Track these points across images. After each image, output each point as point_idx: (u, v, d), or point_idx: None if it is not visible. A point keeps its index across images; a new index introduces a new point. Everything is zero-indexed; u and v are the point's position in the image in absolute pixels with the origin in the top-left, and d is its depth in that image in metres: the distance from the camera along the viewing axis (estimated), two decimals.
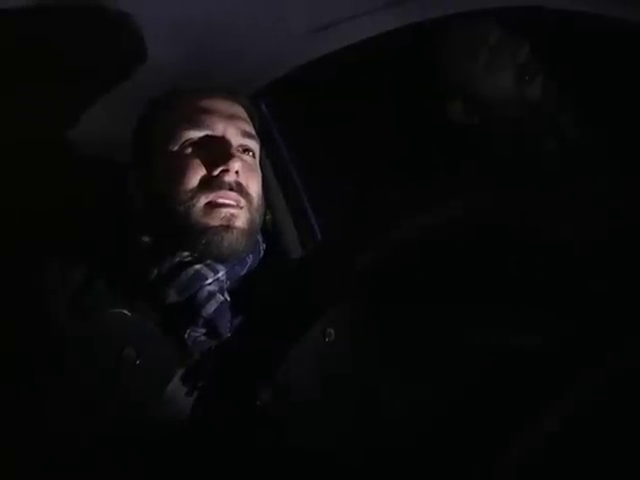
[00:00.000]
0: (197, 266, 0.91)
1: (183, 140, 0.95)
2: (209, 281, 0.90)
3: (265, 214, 1.03)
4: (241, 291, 0.94)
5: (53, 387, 0.85)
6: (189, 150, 0.95)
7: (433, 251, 0.63)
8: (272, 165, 1.32)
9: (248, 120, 1.01)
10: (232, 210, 0.93)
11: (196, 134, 0.95)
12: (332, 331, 0.88)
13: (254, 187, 0.97)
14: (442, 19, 1.05)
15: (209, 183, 0.92)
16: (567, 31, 0.97)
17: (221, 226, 0.92)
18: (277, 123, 1.34)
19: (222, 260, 0.92)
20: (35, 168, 1.22)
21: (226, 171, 0.93)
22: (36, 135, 1.22)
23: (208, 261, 0.92)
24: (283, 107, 1.34)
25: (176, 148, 0.95)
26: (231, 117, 0.98)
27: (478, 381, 0.68)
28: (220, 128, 0.96)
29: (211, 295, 0.90)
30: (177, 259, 0.91)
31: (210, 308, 0.89)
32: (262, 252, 0.99)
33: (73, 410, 0.83)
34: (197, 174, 0.93)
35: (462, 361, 0.75)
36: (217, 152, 0.94)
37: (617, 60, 0.97)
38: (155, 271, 0.91)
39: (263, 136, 1.31)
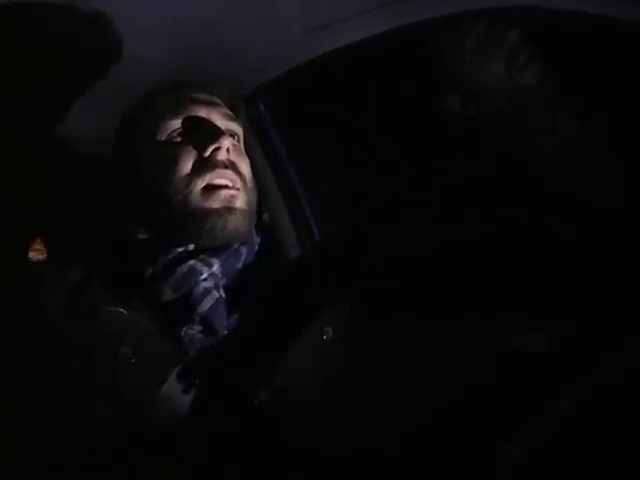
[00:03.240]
0: (191, 262, 0.90)
1: (169, 130, 0.95)
2: (204, 276, 0.90)
3: (262, 213, 1.02)
4: (237, 288, 0.93)
5: (49, 386, 0.85)
6: (177, 138, 0.95)
7: (436, 252, 0.63)
8: (270, 165, 1.32)
9: (227, 108, 1.01)
10: (231, 191, 0.93)
11: (180, 121, 0.95)
12: (330, 329, 0.88)
13: (245, 168, 0.97)
14: (437, 18, 1.05)
15: (203, 165, 0.92)
16: (566, 31, 0.97)
17: (223, 208, 0.91)
18: (275, 123, 1.33)
19: (217, 251, 0.92)
20: (30, 167, 1.22)
21: (218, 149, 0.93)
22: (30, 134, 1.22)
23: (202, 256, 0.91)
24: (281, 107, 1.34)
25: (163, 138, 0.95)
26: (212, 104, 0.99)
27: (478, 380, 0.68)
28: (204, 113, 0.97)
29: (207, 292, 0.89)
30: (171, 255, 0.91)
31: (206, 305, 0.88)
32: (257, 246, 0.98)
33: (70, 409, 0.82)
34: (189, 159, 0.93)
35: (461, 360, 0.75)
36: (205, 133, 0.94)
37: (616, 60, 0.97)
38: (150, 269, 0.91)
39: (260, 136, 1.32)
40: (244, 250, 0.95)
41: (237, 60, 1.19)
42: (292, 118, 1.35)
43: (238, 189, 0.94)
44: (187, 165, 0.92)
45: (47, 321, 0.89)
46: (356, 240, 0.60)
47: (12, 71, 1.10)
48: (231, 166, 0.94)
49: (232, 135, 0.98)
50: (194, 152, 0.93)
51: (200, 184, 0.91)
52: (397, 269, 0.68)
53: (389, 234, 0.59)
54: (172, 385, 0.85)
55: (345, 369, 0.84)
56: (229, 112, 1.00)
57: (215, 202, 0.91)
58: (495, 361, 0.70)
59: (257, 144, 1.30)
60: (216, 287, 0.90)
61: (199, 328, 0.89)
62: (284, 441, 0.76)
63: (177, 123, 0.95)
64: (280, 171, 1.32)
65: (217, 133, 0.94)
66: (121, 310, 0.89)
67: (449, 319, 0.79)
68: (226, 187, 0.92)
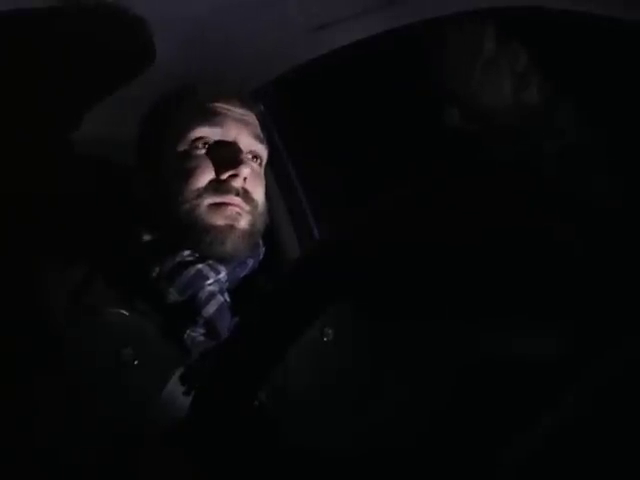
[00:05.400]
0: (199, 265, 0.91)
1: (194, 138, 0.95)
2: (210, 281, 0.90)
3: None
4: (240, 292, 0.94)
5: (51, 387, 0.85)
6: (200, 150, 0.95)
7: (435, 253, 0.62)
8: (270, 166, 1.32)
9: (259, 128, 1.01)
10: (237, 209, 0.93)
11: (208, 133, 0.95)
12: (330, 331, 0.88)
13: (259, 194, 0.98)
14: (440, 19, 1.05)
15: (216, 186, 0.93)
16: (567, 31, 0.97)
17: (226, 225, 0.92)
18: (275, 123, 1.33)
19: (223, 260, 0.92)
20: (36, 167, 1.22)
21: (235, 176, 0.93)
22: (36, 134, 1.22)
23: (210, 261, 0.92)
24: (281, 107, 1.34)
25: (186, 147, 0.95)
26: (244, 122, 0.98)
27: (478, 381, 0.68)
28: (233, 131, 0.96)
29: (212, 295, 0.90)
30: (178, 258, 0.91)
31: (211, 308, 0.89)
32: (262, 255, 1.00)
33: (71, 410, 0.83)
34: (206, 175, 0.93)
35: (461, 362, 0.75)
36: (228, 156, 0.94)
37: (617, 60, 0.97)
38: (156, 270, 0.91)
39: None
40: (251, 262, 0.97)
41: (238, 60, 1.19)
42: (293, 118, 1.35)
43: (245, 210, 0.94)
44: (202, 180, 0.93)
45: (49, 320, 0.89)
46: (356, 240, 0.60)
47: (16, 71, 1.11)
48: (243, 194, 0.94)
49: (255, 157, 0.99)
50: (212, 170, 0.93)
51: (209, 201, 0.92)
52: (398, 269, 0.68)
53: (390, 234, 0.59)
54: (174, 387, 0.85)
55: (345, 370, 0.84)
56: (259, 133, 1.00)
57: (220, 219, 0.92)
58: (495, 363, 0.70)
59: None
60: (221, 291, 0.91)
61: (202, 331, 0.89)
62: (283, 442, 0.76)
63: (204, 133, 0.95)
64: (280, 171, 1.32)
65: (239, 160, 0.94)
66: (123, 312, 0.89)
67: (449, 321, 0.79)
68: (233, 204, 0.93)
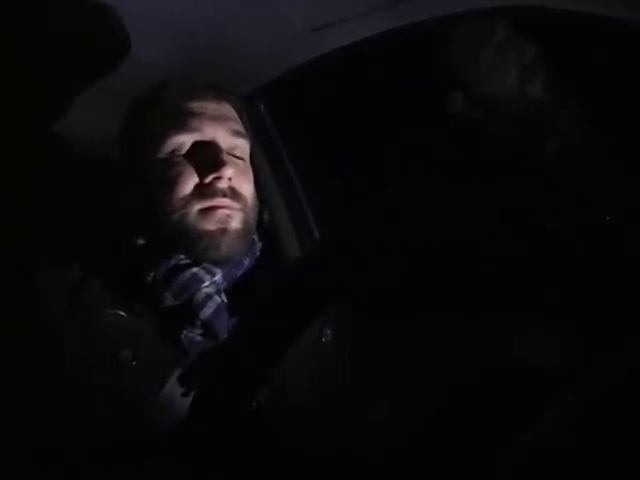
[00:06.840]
0: (194, 269, 0.90)
1: (173, 146, 0.94)
2: (206, 284, 0.90)
3: (263, 214, 1.02)
4: (238, 292, 0.93)
5: (49, 388, 0.85)
6: (180, 157, 0.93)
7: (435, 252, 0.62)
8: (270, 165, 1.32)
9: (237, 119, 1.00)
10: (227, 211, 0.92)
11: (185, 139, 0.94)
12: (329, 331, 0.88)
13: (247, 189, 0.96)
14: (444, 18, 1.05)
15: (202, 191, 0.92)
16: (569, 31, 0.97)
17: (218, 229, 0.91)
18: (275, 123, 1.33)
19: (220, 263, 0.92)
20: (30, 167, 1.22)
21: (219, 178, 0.92)
22: (30, 133, 1.21)
23: (205, 264, 0.91)
24: (281, 107, 1.34)
25: (165, 155, 0.94)
26: (220, 118, 0.97)
27: (477, 382, 0.67)
28: (210, 131, 0.95)
29: (208, 297, 0.89)
30: (173, 262, 0.91)
31: (207, 311, 0.88)
32: (258, 252, 0.99)
33: (69, 411, 0.82)
34: (189, 182, 0.92)
35: (461, 362, 0.75)
36: (208, 158, 0.93)
37: (619, 61, 0.97)
38: (151, 274, 0.90)
39: (261, 136, 1.32)
40: (247, 261, 0.96)
41: (237, 60, 1.18)
42: (292, 118, 1.35)
43: (236, 209, 0.93)
44: (187, 187, 0.92)
45: (47, 321, 0.89)
46: (355, 240, 0.60)
47: (13, 69, 1.11)
48: (230, 193, 0.93)
49: (238, 151, 0.97)
50: (195, 176, 0.92)
51: (197, 207, 0.91)
52: (397, 270, 0.68)
53: (388, 234, 0.59)
54: (172, 388, 0.85)
55: (344, 371, 0.84)
56: (237, 127, 0.98)
57: (210, 224, 0.91)
58: (496, 362, 0.70)
59: (257, 144, 1.29)
60: (218, 292, 0.91)
61: (199, 331, 0.89)
62: (282, 442, 0.76)
63: (181, 139, 0.94)
64: (280, 171, 1.32)
65: (220, 161, 0.92)
66: (121, 313, 0.89)
67: (449, 320, 0.79)
68: (223, 207, 0.92)
